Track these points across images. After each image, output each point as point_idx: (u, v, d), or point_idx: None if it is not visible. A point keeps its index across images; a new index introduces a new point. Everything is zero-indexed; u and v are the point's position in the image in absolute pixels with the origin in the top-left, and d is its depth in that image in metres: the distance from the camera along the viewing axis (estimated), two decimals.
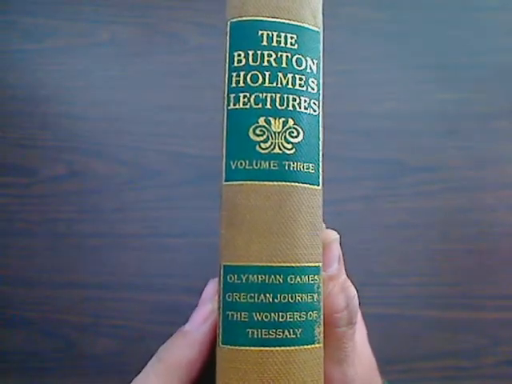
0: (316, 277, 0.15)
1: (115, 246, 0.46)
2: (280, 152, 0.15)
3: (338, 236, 0.18)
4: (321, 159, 0.15)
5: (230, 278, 0.15)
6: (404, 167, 0.48)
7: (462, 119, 0.49)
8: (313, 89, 0.15)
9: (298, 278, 0.15)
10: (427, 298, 0.46)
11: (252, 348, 0.14)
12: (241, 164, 0.15)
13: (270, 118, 0.15)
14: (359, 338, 0.21)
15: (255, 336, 0.14)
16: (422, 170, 0.48)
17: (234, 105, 0.15)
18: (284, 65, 0.15)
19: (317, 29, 0.16)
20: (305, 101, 0.15)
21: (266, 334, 0.14)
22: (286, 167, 0.15)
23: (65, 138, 0.48)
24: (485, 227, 0.48)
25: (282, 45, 0.15)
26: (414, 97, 0.49)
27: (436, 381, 0.46)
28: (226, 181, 0.15)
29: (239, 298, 0.15)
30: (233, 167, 0.15)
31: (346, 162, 0.48)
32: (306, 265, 0.15)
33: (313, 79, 0.15)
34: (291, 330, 0.14)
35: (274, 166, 0.15)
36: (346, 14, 0.50)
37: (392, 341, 0.46)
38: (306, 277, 0.15)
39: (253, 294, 0.15)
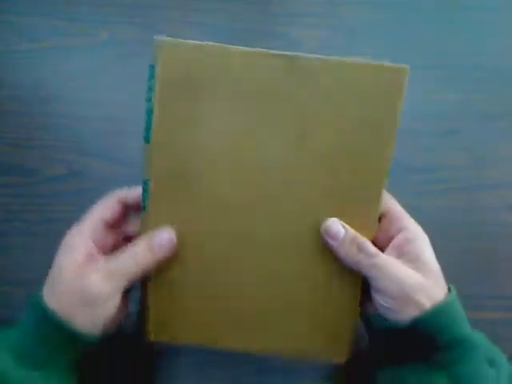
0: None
1: None
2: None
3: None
4: (152, 125, 0.34)
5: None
6: (404, 167, 0.48)
7: (462, 119, 0.49)
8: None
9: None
10: None
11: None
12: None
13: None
14: (427, 254, 0.33)
15: None
16: (422, 169, 0.49)
17: (149, 100, 0.34)
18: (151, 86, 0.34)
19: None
20: (150, 98, 0.33)
21: None
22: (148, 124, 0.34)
23: (65, 137, 0.48)
24: (485, 227, 0.48)
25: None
26: (414, 97, 0.49)
27: None
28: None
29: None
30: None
31: None
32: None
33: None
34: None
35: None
36: (346, 13, 0.50)
37: None
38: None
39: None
